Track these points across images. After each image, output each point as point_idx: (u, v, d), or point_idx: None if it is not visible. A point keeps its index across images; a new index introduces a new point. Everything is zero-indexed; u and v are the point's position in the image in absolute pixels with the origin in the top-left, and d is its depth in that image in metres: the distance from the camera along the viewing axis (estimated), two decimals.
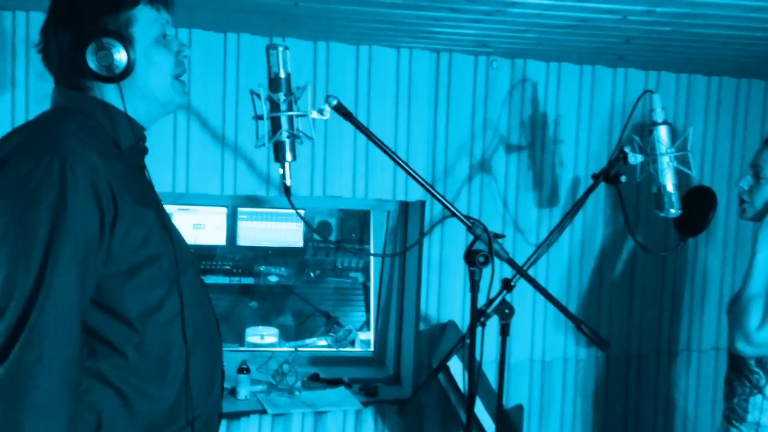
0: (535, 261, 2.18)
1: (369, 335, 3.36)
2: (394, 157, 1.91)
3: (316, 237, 5.56)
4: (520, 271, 2.01)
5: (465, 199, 2.80)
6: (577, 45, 2.46)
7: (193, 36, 2.48)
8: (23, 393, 1.24)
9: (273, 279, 4.70)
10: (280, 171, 1.81)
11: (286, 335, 3.81)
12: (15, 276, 1.25)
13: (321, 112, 1.83)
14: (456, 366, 2.35)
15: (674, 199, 2.19)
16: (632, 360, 3.10)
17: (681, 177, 2.27)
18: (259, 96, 1.80)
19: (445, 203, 1.94)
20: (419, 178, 1.95)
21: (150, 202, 1.47)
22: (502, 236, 1.99)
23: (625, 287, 3.05)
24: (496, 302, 2.07)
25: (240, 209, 4.42)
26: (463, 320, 2.83)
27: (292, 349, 2.95)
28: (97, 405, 1.35)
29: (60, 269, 1.27)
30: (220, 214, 4.30)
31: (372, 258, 3.31)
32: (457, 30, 2.32)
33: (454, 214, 1.94)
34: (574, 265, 2.97)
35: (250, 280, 4.60)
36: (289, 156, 1.80)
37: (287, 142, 1.79)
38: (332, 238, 5.71)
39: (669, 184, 2.18)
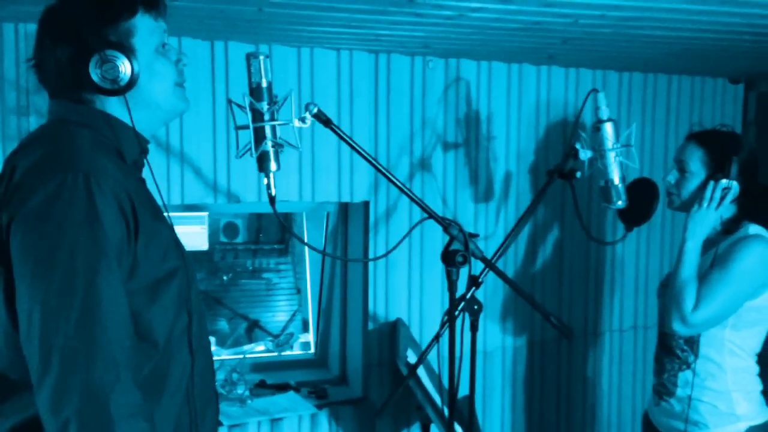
0: (501, 256, 2.25)
1: (307, 337, 3.34)
2: (372, 161, 1.93)
3: (223, 239, 5.44)
4: (492, 267, 2.08)
5: (407, 198, 2.82)
6: (519, 45, 2.54)
7: None
8: (113, 420, 1.19)
9: None
10: (265, 181, 1.79)
11: (218, 342, 3.73)
12: (60, 299, 1.19)
13: (303, 120, 1.81)
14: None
15: (621, 191, 2.31)
16: (563, 343, 3.26)
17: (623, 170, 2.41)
18: (240, 106, 1.76)
19: (422, 205, 1.98)
20: (396, 182, 1.98)
21: (161, 216, 1.43)
22: (476, 235, 2.05)
23: (554, 276, 3.20)
24: (466, 299, 2.13)
25: None
26: (409, 318, 2.88)
27: (241, 357, 2.90)
28: None
29: (109, 286, 1.23)
30: None
31: (308, 259, 3.29)
32: (408, 33, 2.35)
33: (431, 216, 1.98)
34: (508, 256, 3.08)
35: None
36: (273, 166, 1.78)
37: (272, 151, 1.77)
38: (239, 239, 5.60)
39: (616, 177, 2.31)
